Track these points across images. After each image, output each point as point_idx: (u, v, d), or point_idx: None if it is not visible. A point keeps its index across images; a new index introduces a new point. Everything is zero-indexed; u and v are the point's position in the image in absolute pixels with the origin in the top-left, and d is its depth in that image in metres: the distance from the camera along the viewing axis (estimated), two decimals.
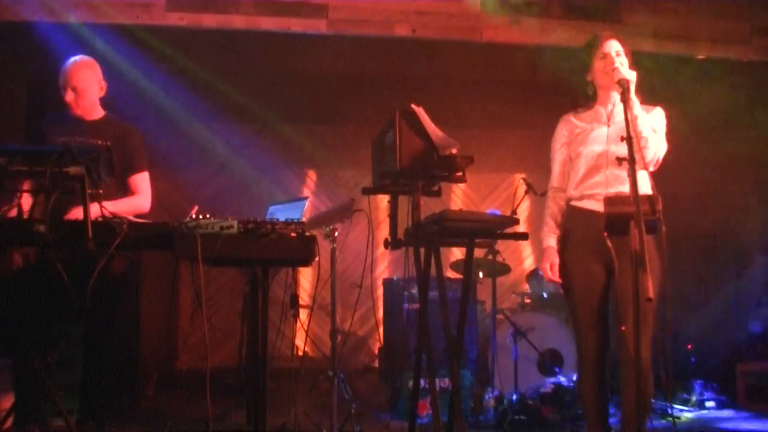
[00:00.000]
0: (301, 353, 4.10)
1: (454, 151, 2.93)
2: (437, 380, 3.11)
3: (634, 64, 2.90)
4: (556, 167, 3.06)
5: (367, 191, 3.27)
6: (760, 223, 5.49)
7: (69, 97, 3.31)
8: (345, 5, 4.70)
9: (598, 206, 2.75)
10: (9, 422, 3.12)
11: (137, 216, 2.92)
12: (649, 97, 2.92)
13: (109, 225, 2.49)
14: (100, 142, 3.20)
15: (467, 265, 3.26)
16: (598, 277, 2.88)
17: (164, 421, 3.77)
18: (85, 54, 3.48)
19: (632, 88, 2.71)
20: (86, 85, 3.32)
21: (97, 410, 3.17)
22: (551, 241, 3.00)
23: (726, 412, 4.83)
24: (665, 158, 2.88)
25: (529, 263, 7.07)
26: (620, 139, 2.59)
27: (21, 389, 3.12)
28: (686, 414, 4.74)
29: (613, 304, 2.89)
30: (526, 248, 7.14)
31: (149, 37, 4.75)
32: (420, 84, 5.57)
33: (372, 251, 3.43)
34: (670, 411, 4.43)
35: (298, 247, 2.55)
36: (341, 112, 6.25)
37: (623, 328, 2.76)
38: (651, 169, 2.82)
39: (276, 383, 4.23)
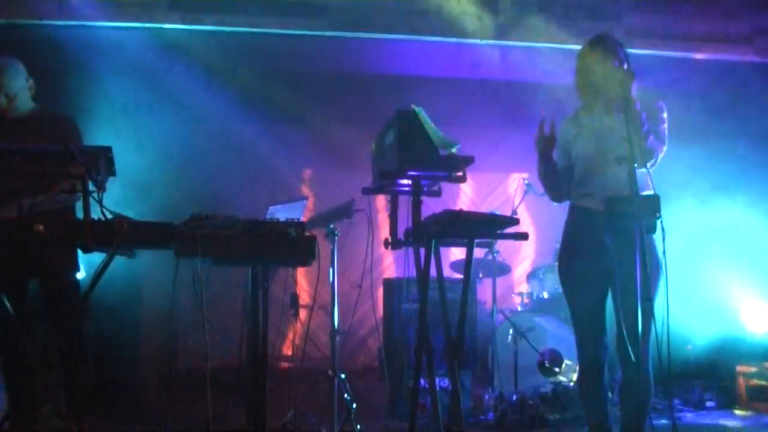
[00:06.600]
0: (301, 353, 4.09)
1: (454, 151, 2.93)
2: (437, 380, 3.10)
3: (633, 63, 2.91)
4: (560, 162, 3.06)
5: (367, 191, 3.27)
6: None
7: (1, 102, 3.17)
8: (345, 5, 4.70)
9: (598, 205, 2.75)
10: (6, 425, 3.12)
11: None
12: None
13: (109, 225, 2.49)
14: (29, 136, 3.09)
15: (467, 265, 3.26)
16: (598, 278, 2.88)
17: (164, 421, 3.77)
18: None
19: (632, 88, 2.71)
20: (18, 90, 3.19)
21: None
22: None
23: (726, 412, 4.83)
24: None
25: (528, 263, 7.06)
26: (620, 139, 2.59)
27: (12, 393, 3.13)
28: (686, 414, 4.74)
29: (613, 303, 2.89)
30: (526, 248, 7.13)
31: (149, 36, 4.75)
32: (420, 84, 5.57)
33: (372, 251, 3.43)
34: (670, 411, 4.42)
35: (298, 247, 2.54)
36: (341, 112, 6.24)
37: (623, 328, 2.76)
38: (649, 167, 2.83)
39: (276, 383, 4.23)
